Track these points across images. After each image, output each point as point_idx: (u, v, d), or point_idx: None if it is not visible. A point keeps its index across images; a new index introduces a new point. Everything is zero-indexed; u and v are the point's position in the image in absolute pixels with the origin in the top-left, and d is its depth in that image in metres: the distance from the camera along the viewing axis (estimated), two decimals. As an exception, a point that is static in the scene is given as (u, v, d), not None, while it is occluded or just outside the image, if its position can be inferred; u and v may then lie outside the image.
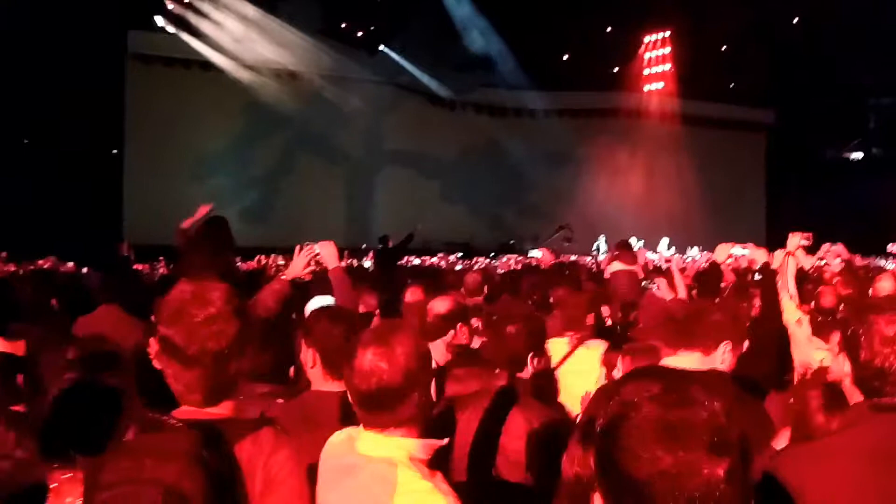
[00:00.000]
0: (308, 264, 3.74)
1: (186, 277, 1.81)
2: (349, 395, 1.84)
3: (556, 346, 3.90)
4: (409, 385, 1.76)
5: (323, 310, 2.86)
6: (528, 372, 2.95)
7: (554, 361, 3.89)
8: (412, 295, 4.90)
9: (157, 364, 1.73)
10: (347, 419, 1.99)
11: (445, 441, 1.86)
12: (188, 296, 1.73)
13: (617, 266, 5.99)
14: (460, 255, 15.68)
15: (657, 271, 6.98)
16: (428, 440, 1.80)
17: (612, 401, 1.09)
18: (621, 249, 6.80)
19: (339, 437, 1.91)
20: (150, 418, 1.63)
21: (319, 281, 4.41)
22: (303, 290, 4.05)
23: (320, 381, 2.55)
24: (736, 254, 4.98)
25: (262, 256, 12.19)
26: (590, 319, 4.33)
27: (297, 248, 3.80)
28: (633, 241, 15.76)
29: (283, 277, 3.70)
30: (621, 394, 1.09)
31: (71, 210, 15.22)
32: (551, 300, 4.85)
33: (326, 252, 3.77)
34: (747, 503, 1.06)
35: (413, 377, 1.77)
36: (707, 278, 4.80)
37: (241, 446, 1.67)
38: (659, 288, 4.91)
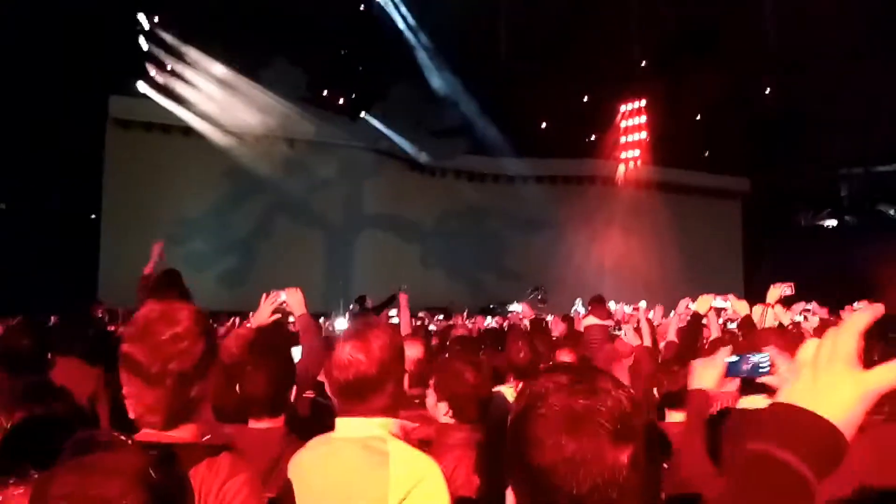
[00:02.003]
0: (274, 312, 3.72)
1: None
2: (328, 387, 1.96)
3: None
4: (383, 376, 1.88)
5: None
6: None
7: None
8: None
9: (123, 383, 1.69)
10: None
11: (417, 425, 1.95)
12: (155, 314, 1.70)
13: (591, 320, 6.04)
14: (440, 317, 15.60)
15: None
16: (401, 420, 1.92)
17: (523, 395, 1.11)
18: (595, 304, 6.86)
19: (308, 445, 2.01)
20: (103, 437, 1.57)
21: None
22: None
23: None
24: (717, 306, 4.97)
25: (237, 318, 12.05)
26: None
27: (264, 295, 3.78)
28: (578, 302, 15.87)
29: (248, 325, 3.67)
30: (532, 388, 1.10)
31: (46, 273, 15.04)
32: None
33: (293, 299, 3.77)
34: (655, 490, 1.06)
35: (387, 369, 1.89)
36: (689, 331, 4.77)
37: (195, 470, 1.63)
38: (626, 335, 4.90)
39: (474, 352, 5.55)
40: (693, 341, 4.66)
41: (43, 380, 3.00)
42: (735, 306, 4.82)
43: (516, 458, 1.07)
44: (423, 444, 2.64)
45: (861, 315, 0.96)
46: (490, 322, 12.22)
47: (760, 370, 2.25)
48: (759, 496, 0.92)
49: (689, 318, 4.90)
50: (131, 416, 1.70)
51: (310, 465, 1.92)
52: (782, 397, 0.97)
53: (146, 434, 1.67)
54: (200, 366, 1.69)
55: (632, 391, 1.08)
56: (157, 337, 1.66)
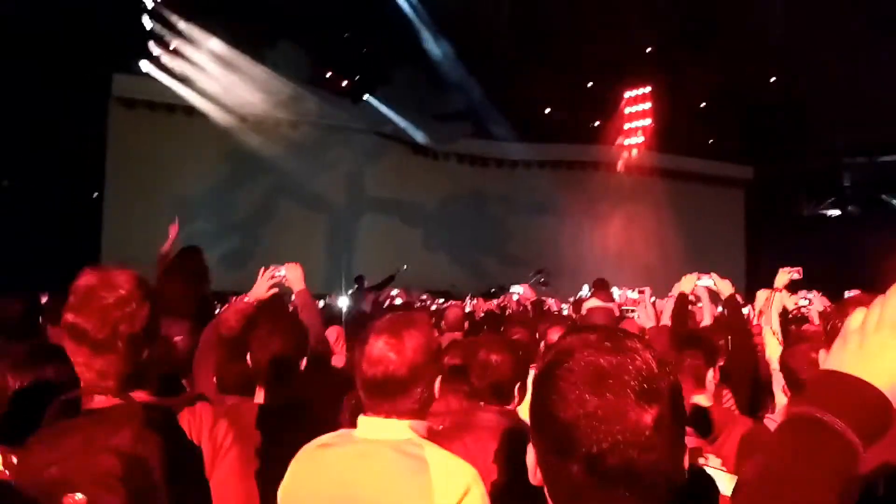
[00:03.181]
0: (272, 287, 3.71)
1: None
2: (358, 381, 1.85)
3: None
4: (413, 378, 1.81)
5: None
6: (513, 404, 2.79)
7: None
8: None
9: (69, 353, 1.67)
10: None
11: (440, 427, 1.89)
12: (96, 281, 1.67)
13: (594, 302, 6.06)
14: (441, 301, 15.63)
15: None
16: (425, 422, 1.86)
17: (551, 352, 1.10)
18: (598, 288, 6.88)
19: (326, 441, 1.90)
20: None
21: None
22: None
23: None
24: (701, 285, 4.95)
25: (233, 297, 12.07)
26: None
27: (262, 269, 3.77)
28: (585, 288, 15.89)
29: (246, 300, 3.67)
30: (560, 344, 1.10)
31: (50, 252, 15.03)
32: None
33: (292, 275, 3.76)
34: (679, 455, 1.04)
35: (419, 371, 1.82)
36: (676, 311, 4.77)
37: (180, 418, 1.66)
38: (640, 317, 4.91)
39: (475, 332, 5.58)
40: (682, 321, 4.66)
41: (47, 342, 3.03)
42: (718, 285, 4.80)
43: (539, 412, 1.07)
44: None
45: None
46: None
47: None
48: (801, 456, 0.89)
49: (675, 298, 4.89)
50: (82, 384, 1.67)
51: (333, 464, 1.83)
52: (829, 364, 0.95)
53: (104, 401, 1.64)
54: (149, 329, 1.67)
55: (659, 354, 1.07)
56: (102, 302, 1.63)
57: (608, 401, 1.00)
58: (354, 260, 20.83)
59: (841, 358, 0.94)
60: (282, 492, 1.85)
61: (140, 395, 1.68)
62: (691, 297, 5.64)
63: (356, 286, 11.11)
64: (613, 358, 1.03)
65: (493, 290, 19.88)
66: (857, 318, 0.97)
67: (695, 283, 4.90)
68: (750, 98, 21.76)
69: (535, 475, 1.10)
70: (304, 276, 3.90)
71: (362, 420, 1.85)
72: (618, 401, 0.99)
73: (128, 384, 1.66)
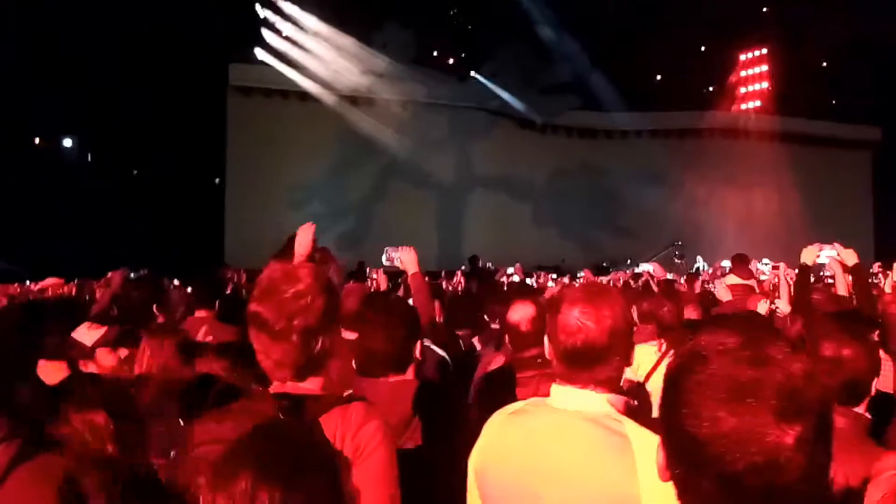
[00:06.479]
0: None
1: None
2: (552, 351, 1.82)
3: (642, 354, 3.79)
4: (612, 346, 1.76)
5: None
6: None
7: (642, 372, 3.83)
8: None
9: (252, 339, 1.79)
10: None
11: (636, 403, 1.84)
12: (278, 274, 1.79)
13: (732, 279, 5.88)
14: (554, 276, 15.54)
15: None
16: (623, 397, 1.79)
17: (685, 350, 1.02)
18: (737, 263, 6.61)
19: (518, 409, 1.87)
20: (235, 388, 1.68)
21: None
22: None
23: None
24: (824, 255, 4.62)
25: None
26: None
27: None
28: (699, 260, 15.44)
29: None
30: (695, 344, 1.01)
31: (175, 237, 15.86)
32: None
33: (407, 258, 3.81)
34: (823, 472, 0.95)
35: (617, 340, 1.77)
36: (798, 284, 4.53)
37: (329, 417, 1.72)
38: (717, 289, 4.78)
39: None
40: (803, 295, 4.42)
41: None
42: (842, 255, 4.50)
43: (669, 422, 1.00)
44: None
45: None
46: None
47: None
48: None
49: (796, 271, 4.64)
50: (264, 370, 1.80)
51: (529, 432, 1.79)
52: None
53: (276, 386, 1.78)
54: (323, 321, 1.75)
55: (808, 360, 0.97)
56: (281, 295, 1.74)
57: (745, 421, 0.92)
58: (466, 237, 20.99)
59: None
60: (474, 460, 1.85)
61: (313, 384, 1.79)
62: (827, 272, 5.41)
63: (470, 265, 11.19)
64: (753, 371, 0.94)
65: (605, 263, 19.62)
66: None
67: (817, 255, 4.59)
68: (876, 54, 20.48)
69: (664, 475, 1.04)
70: (418, 252, 3.92)
71: (557, 389, 1.80)
72: (756, 420, 0.92)
73: (301, 373, 1.77)
